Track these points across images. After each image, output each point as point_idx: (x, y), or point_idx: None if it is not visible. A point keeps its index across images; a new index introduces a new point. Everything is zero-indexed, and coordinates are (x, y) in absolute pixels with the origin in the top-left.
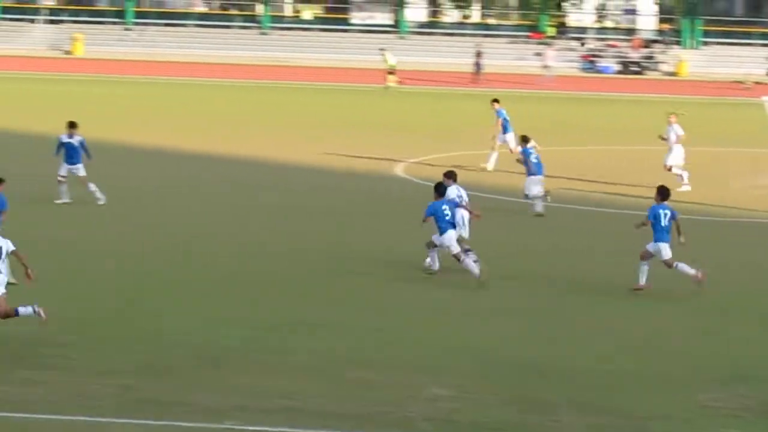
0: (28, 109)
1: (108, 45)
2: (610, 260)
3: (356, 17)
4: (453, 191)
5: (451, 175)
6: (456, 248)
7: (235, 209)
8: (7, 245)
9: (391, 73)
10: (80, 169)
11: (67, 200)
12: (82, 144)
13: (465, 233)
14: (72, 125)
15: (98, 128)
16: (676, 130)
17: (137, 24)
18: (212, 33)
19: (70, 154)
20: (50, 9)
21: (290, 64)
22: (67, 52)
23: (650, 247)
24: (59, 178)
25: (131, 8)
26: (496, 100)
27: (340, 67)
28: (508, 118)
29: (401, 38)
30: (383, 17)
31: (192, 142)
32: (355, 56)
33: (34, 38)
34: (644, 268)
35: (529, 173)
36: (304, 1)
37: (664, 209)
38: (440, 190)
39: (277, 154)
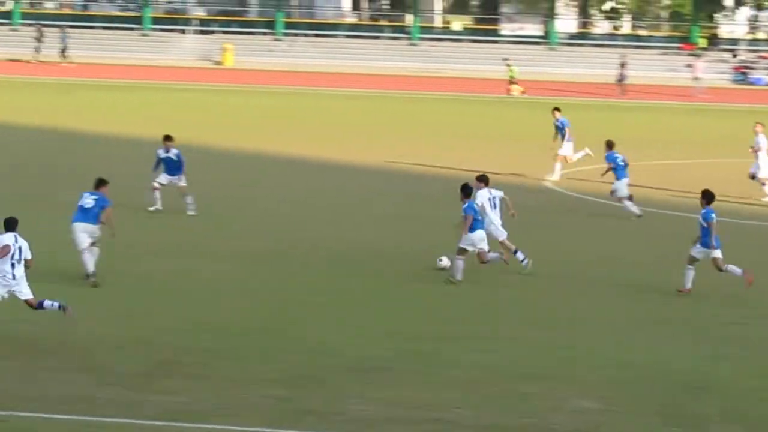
0: (177, 119)
1: (257, 55)
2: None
3: (506, 28)
4: (485, 194)
5: (482, 179)
6: (486, 246)
7: (378, 219)
8: (26, 251)
9: (513, 83)
10: (181, 180)
11: (158, 207)
12: (178, 156)
13: (501, 236)
14: (167, 138)
15: (247, 138)
16: (762, 140)
17: (287, 35)
18: (362, 44)
19: (169, 167)
20: (200, 20)
21: (439, 75)
22: (217, 63)
23: (696, 251)
24: (154, 185)
25: (281, 19)
26: (557, 109)
27: (489, 78)
28: (569, 127)
29: (551, 49)
30: (533, 28)
31: (334, 151)
32: (503, 67)
33: (185, 49)
34: (690, 272)
35: (618, 177)
36: (453, 12)
37: (713, 213)
38: (466, 191)
39: (422, 164)
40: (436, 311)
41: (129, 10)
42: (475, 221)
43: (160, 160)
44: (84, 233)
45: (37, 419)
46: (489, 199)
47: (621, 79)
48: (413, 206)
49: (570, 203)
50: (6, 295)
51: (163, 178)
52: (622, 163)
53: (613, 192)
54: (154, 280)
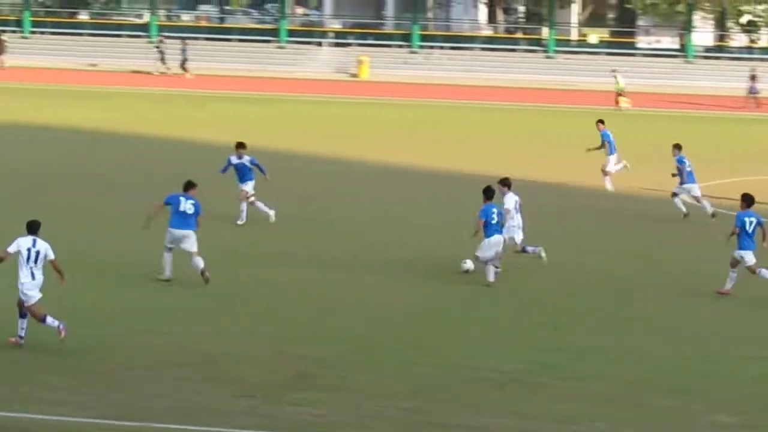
0: (313, 131)
1: (393, 68)
2: None
3: (642, 41)
4: (513, 198)
5: (506, 183)
6: (501, 250)
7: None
8: (48, 252)
9: (620, 95)
10: (250, 187)
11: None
12: (252, 162)
13: (518, 238)
14: (240, 146)
15: (382, 150)
16: None
17: (423, 47)
18: (497, 56)
19: (241, 174)
20: (336, 32)
21: (575, 88)
22: (353, 75)
23: (736, 254)
24: (250, 199)
25: (417, 31)
26: (601, 121)
27: (627, 91)
28: (613, 140)
29: (687, 62)
30: (669, 41)
31: (468, 163)
32: (640, 80)
33: (321, 61)
34: (732, 275)
35: (682, 182)
36: (590, 24)
37: (749, 216)
38: (488, 193)
39: (553, 178)
40: (567, 324)
41: (265, 22)
42: (491, 226)
43: (229, 165)
44: (183, 238)
45: (172, 431)
46: (515, 202)
47: (752, 91)
48: (544, 221)
49: (699, 217)
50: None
51: (248, 186)
52: (689, 169)
53: (675, 194)
54: (282, 290)
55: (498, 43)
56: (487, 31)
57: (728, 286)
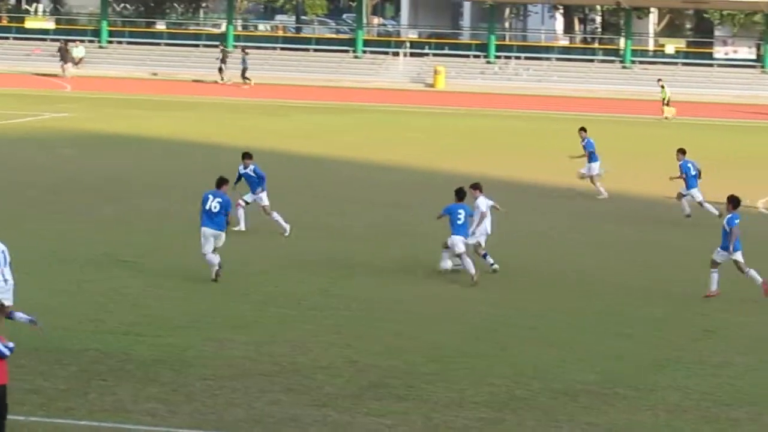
0: (390, 141)
1: (469, 78)
2: None
3: (719, 51)
4: (485, 202)
5: (477, 187)
6: (461, 249)
7: (579, 244)
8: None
9: (666, 104)
10: (263, 199)
11: (242, 227)
12: (256, 171)
13: (482, 241)
14: (246, 156)
15: (458, 159)
16: None
17: (499, 57)
18: (574, 67)
19: (250, 183)
20: (413, 42)
21: (652, 98)
22: (429, 85)
23: (719, 255)
24: (239, 203)
25: (494, 41)
26: (583, 129)
27: (702, 102)
28: (594, 148)
29: (764, 73)
30: (747, 51)
31: (542, 173)
32: (716, 90)
33: (397, 71)
34: (714, 276)
35: (689, 186)
36: (667, 34)
37: (738, 219)
38: (459, 194)
39: (631, 187)
40: (642, 335)
41: (342, 32)
42: (456, 226)
43: (240, 176)
44: (211, 238)
45: None
46: (487, 206)
47: None
48: (616, 229)
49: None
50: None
51: (248, 196)
52: (695, 172)
53: (684, 195)
54: (355, 300)
55: (574, 53)
56: (564, 42)
57: (714, 288)
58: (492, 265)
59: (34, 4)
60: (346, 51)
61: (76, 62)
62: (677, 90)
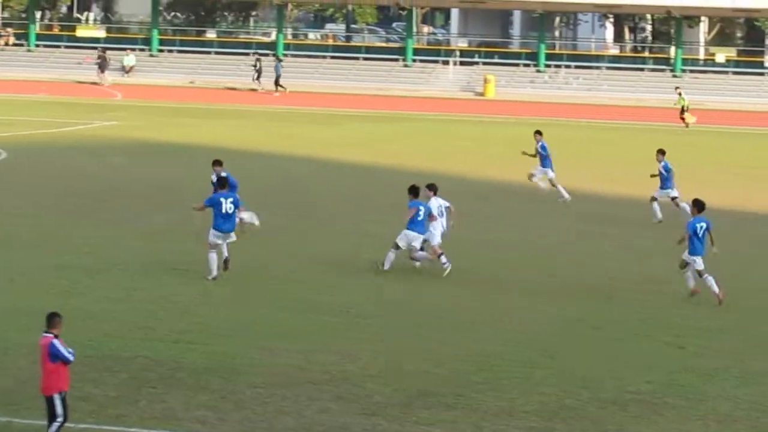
0: (440, 150)
1: (519, 87)
2: None
3: None
4: (434, 203)
5: (432, 188)
6: (417, 246)
7: (623, 250)
8: None
9: (685, 111)
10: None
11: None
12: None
13: (435, 241)
14: (216, 163)
15: (507, 169)
16: None
17: (549, 66)
18: (624, 75)
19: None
20: (462, 51)
21: (702, 107)
22: (479, 94)
23: (686, 257)
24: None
25: (543, 50)
26: (538, 132)
27: (753, 111)
28: (548, 152)
29: None
30: None
31: (593, 182)
32: (767, 100)
33: (447, 80)
34: (688, 275)
35: (662, 187)
36: (718, 43)
37: (700, 222)
38: (413, 191)
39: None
40: (694, 344)
41: (392, 41)
42: (416, 222)
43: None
44: (227, 238)
45: None
46: (438, 207)
47: None
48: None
49: None
50: None
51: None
52: (666, 173)
53: (654, 199)
54: (405, 307)
55: (624, 62)
56: (614, 50)
57: (692, 284)
58: (445, 266)
59: (86, 13)
60: (396, 60)
61: (127, 71)
62: (727, 99)
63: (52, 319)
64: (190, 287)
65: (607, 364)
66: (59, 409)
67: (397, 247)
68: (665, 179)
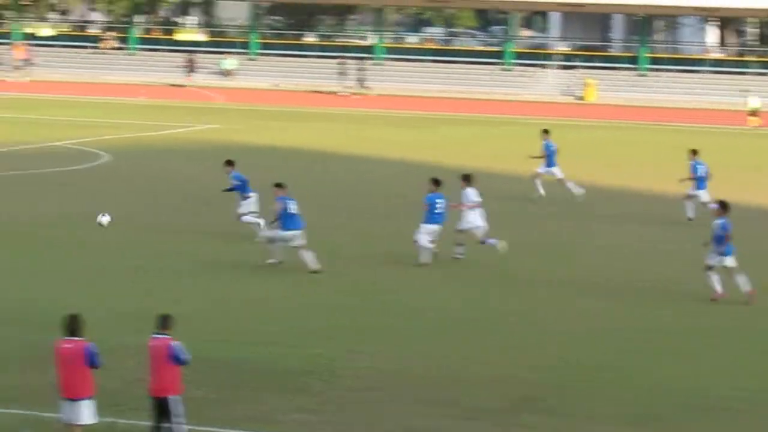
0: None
1: (621, 91)
2: None
3: None
4: (472, 193)
5: (466, 179)
6: (428, 238)
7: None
8: None
9: (752, 115)
10: (242, 206)
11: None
12: (237, 178)
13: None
14: (228, 163)
15: (610, 173)
16: None
17: (651, 70)
18: (727, 79)
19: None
20: (563, 55)
21: None
22: (579, 98)
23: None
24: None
25: (645, 54)
26: (546, 131)
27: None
28: (555, 151)
29: None
30: None
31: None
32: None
33: (547, 84)
34: (714, 278)
35: (697, 187)
36: None
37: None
38: (436, 183)
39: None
40: None
41: (491, 45)
42: (433, 215)
43: (236, 187)
44: (295, 237)
45: None
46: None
47: None
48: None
49: None
50: None
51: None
52: (704, 174)
53: (691, 196)
54: (499, 313)
55: (728, 65)
56: (717, 54)
57: (718, 288)
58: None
59: (185, 17)
60: (495, 63)
61: (227, 74)
62: None
63: (167, 321)
64: (287, 289)
65: (696, 370)
66: (179, 409)
67: (416, 243)
68: (697, 180)
